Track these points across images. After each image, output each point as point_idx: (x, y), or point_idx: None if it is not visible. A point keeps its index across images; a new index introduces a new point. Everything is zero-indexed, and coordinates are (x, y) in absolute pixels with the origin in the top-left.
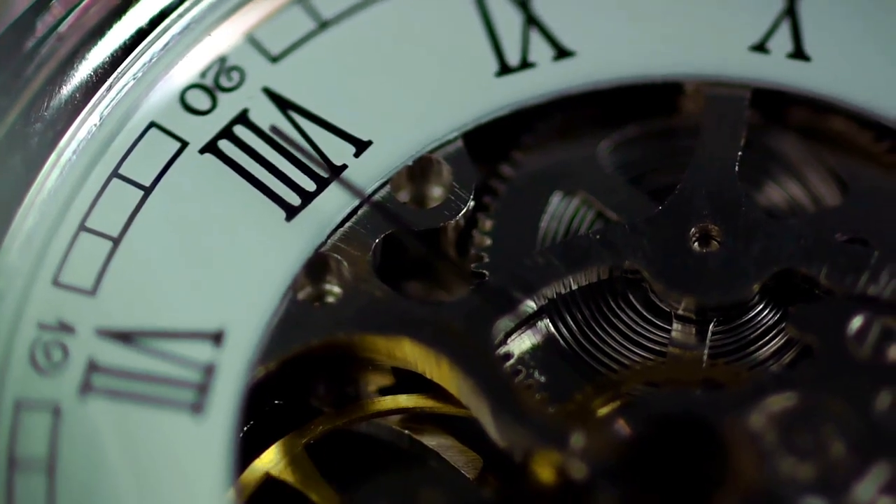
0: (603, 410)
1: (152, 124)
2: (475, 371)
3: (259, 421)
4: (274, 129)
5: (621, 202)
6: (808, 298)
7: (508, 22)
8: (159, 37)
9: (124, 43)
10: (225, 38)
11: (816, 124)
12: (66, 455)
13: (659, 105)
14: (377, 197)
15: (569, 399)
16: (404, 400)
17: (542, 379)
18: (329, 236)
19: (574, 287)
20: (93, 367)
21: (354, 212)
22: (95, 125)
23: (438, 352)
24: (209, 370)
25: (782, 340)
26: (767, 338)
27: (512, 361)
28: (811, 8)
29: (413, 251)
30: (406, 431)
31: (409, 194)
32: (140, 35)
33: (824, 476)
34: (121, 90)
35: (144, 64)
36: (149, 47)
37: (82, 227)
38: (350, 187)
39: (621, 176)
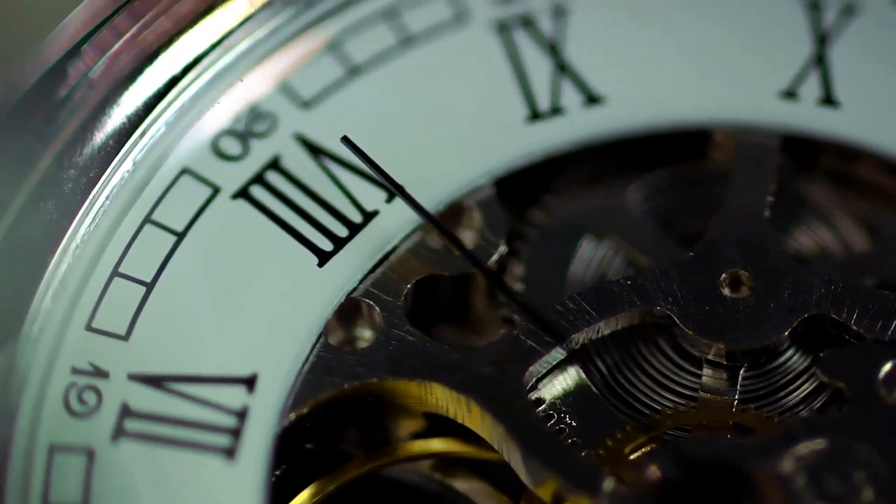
0: (634, 455)
1: (185, 170)
2: (506, 416)
3: (291, 465)
4: (345, 139)
5: (651, 248)
6: (838, 344)
7: (539, 68)
8: (191, 83)
9: (156, 90)
10: (257, 85)
11: (846, 170)
12: (99, 500)
13: (689, 151)
14: (409, 244)
15: (600, 444)
16: (435, 444)
17: (573, 424)
18: (361, 281)
19: (605, 332)
20: (126, 411)
21: (386, 257)
22: (128, 171)
23: (469, 397)
24: (242, 415)
25: (812, 386)
26: (798, 383)
27: (543, 406)
28: (841, 54)
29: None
30: (437, 476)
31: (441, 240)
32: (172, 82)
33: None
34: (153, 136)
35: (177, 110)
36: (181, 94)
37: (115, 273)
38: (413, 203)
39: (651, 221)
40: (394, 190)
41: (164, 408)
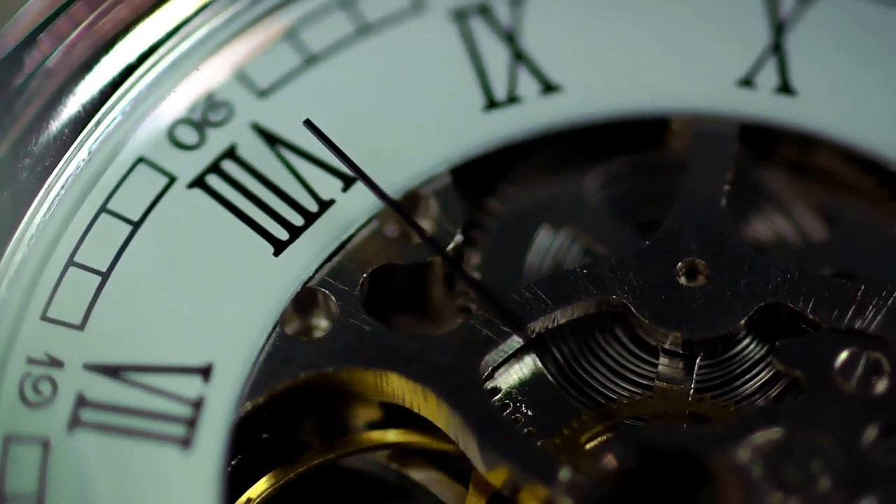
0: (590, 444)
1: (140, 159)
2: (463, 405)
3: (247, 455)
4: (308, 122)
5: (608, 237)
6: (794, 333)
7: (495, 57)
8: (147, 72)
9: (113, 78)
10: (213, 74)
11: (803, 159)
12: (55, 490)
13: (646, 140)
14: (366, 233)
15: (556, 433)
16: (392, 434)
17: (530, 413)
18: (317, 271)
19: (562, 321)
20: (81, 401)
21: (342, 246)
22: (84, 160)
23: (426, 386)
24: (198, 404)
25: (769, 374)
26: (754, 372)
27: (499, 396)
28: (798, 42)
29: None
30: (394, 466)
31: (397, 229)
32: (128, 70)
33: None
34: (109, 125)
35: (133, 99)
36: (137, 82)
37: (71, 262)
38: (374, 187)
39: (608, 210)
40: (355, 174)
41: (120, 398)
